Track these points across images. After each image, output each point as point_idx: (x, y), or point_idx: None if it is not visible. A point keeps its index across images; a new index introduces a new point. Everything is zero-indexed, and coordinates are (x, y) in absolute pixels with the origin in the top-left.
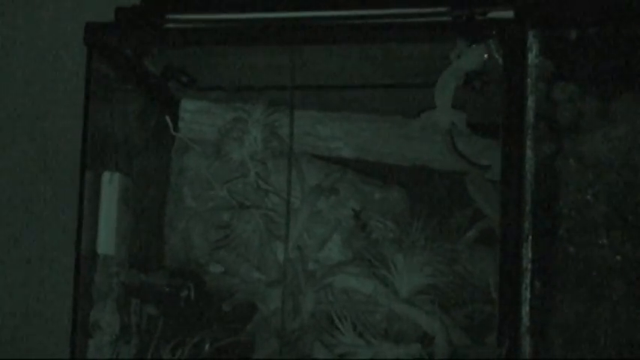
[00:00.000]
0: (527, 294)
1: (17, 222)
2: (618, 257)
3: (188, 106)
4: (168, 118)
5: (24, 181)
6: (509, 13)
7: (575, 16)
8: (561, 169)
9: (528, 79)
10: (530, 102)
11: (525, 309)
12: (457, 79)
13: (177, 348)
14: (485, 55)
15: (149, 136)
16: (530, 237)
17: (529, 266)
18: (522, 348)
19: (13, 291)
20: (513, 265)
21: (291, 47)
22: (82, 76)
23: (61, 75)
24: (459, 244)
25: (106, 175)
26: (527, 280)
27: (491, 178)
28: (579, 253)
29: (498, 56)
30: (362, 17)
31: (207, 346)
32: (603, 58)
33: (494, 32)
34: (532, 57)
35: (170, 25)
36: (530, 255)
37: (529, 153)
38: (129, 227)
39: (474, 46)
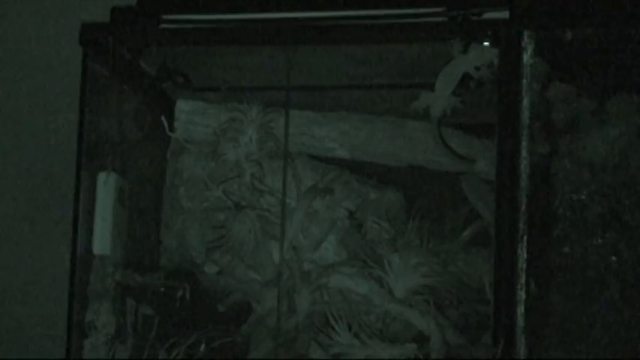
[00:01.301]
0: (522, 294)
1: (14, 222)
2: (613, 257)
3: (184, 106)
4: (163, 119)
5: (20, 182)
6: (504, 14)
7: (570, 16)
8: (556, 170)
9: (523, 80)
10: (525, 102)
11: (520, 309)
12: (461, 72)
13: (172, 348)
14: (494, 60)
15: (145, 137)
16: (525, 237)
17: (524, 266)
18: (517, 348)
19: (11, 291)
20: (508, 265)
21: (286, 47)
22: (77, 77)
23: (57, 75)
24: (454, 244)
25: (101, 176)
26: (522, 281)
27: (476, 171)
28: (574, 253)
29: (493, 56)
30: (357, 18)
31: (202, 346)
32: (598, 59)
33: (489, 32)
34: (527, 57)
35: (166, 26)
36: (525, 255)
37: (524, 153)
38: (124, 227)
39: (486, 44)
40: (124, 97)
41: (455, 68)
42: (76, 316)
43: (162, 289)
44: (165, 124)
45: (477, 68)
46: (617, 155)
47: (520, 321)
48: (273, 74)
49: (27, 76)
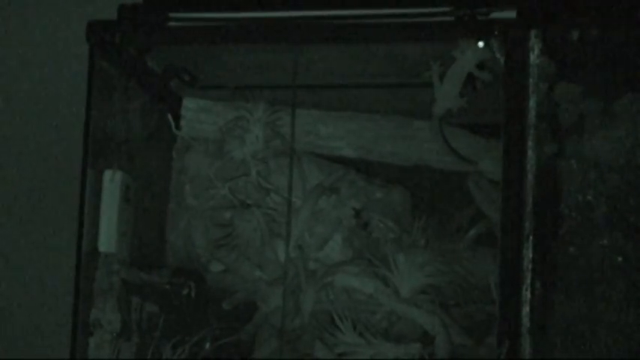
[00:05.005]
0: (527, 294)
1: (19, 220)
2: (619, 258)
3: (190, 104)
4: (169, 117)
5: (25, 179)
6: (511, 13)
7: (577, 16)
8: (562, 170)
9: (530, 79)
10: (532, 102)
11: (526, 309)
12: (466, 72)
13: (177, 346)
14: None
15: (151, 135)
16: (530, 237)
17: (530, 267)
18: (522, 348)
19: (15, 289)
20: (514, 265)
21: (293, 46)
22: (84, 74)
23: (64, 73)
24: (460, 244)
25: (107, 174)
26: (527, 281)
27: (481, 171)
28: (580, 253)
29: (500, 56)
30: (364, 16)
31: (207, 345)
32: (605, 59)
33: (496, 32)
34: (534, 57)
35: (172, 24)
36: (530, 255)
37: (530, 153)
38: (130, 225)
39: (480, 44)
40: (131, 94)
41: (459, 69)
42: (81, 314)
43: (168, 287)
44: (172, 122)
45: (479, 67)
46: (623, 155)
47: (525, 321)
48: (280, 73)
49: (33, 73)
